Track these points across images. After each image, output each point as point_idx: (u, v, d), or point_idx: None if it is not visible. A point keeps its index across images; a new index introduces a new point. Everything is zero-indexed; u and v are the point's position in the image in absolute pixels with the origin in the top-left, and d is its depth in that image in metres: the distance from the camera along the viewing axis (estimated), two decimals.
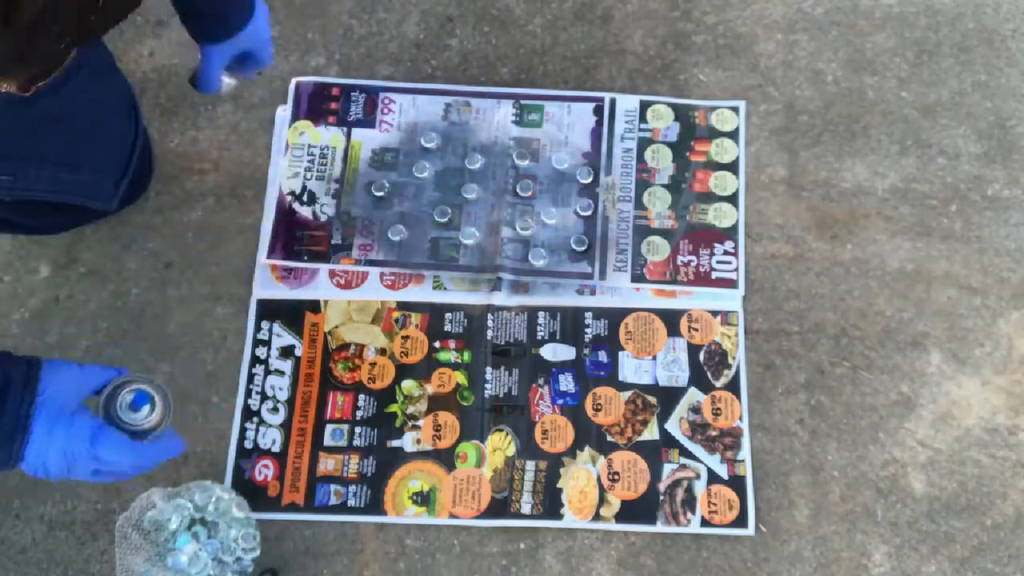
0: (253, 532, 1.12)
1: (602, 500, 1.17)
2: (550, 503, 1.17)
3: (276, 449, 1.21)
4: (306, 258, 1.29)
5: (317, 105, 1.37)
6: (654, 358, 1.24)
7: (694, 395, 1.22)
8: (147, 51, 1.41)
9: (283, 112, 1.37)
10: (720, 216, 1.30)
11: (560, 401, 1.22)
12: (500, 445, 1.20)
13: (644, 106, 1.36)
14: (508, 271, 1.28)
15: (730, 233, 1.29)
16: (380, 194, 1.32)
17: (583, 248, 1.28)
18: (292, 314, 1.27)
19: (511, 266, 1.28)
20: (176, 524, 1.09)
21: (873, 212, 1.30)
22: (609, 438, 1.20)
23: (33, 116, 1.03)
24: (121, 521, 1.10)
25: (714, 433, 1.20)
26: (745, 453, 1.19)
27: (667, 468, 1.18)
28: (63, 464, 0.87)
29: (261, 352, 1.25)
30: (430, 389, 1.23)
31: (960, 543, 1.15)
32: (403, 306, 1.27)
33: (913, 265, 1.27)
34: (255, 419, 1.22)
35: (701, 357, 1.23)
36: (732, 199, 1.31)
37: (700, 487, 1.17)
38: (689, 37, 1.41)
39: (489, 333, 1.25)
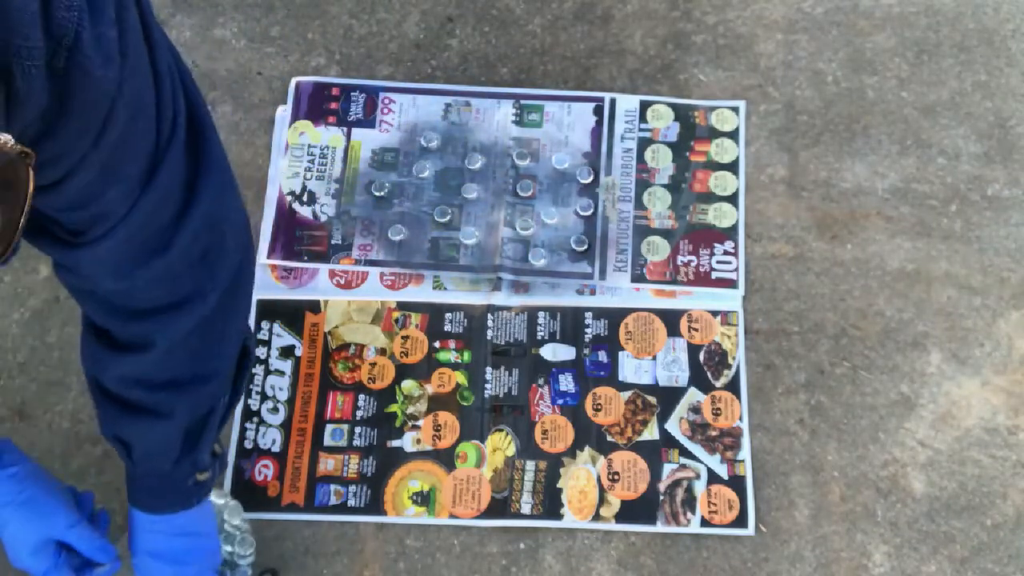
0: (250, 539, 1.10)
1: (602, 500, 1.17)
2: (550, 503, 1.17)
3: (276, 449, 1.21)
4: (306, 258, 1.29)
5: (317, 105, 1.37)
6: (654, 358, 1.24)
7: (694, 395, 1.22)
8: None
9: (283, 112, 1.37)
10: (720, 216, 1.30)
11: (560, 401, 1.22)
12: (500, 445, 1.20)
13: (644, 106, 1.36)
14: (508, 271, 1.28)
15: (730, 233, 1.29)
16: (380, 194, 1.32)
17: (583, 248, 1.28)
18: (292, 314, 1.27)
19: (511, 266, 1.28)
20: None
21: (873, 212, 1.30)
22: (609, 438, 1.20)
23: None
24: None
25: (714, 433, 1.20)
26: (745, 453, 1.19)
27: (667, 468, 1.18)
28: (18, 564, 0.94)
29: (261, 352, 1.25)
30: (430, 389, 1.23)
31: (960, 543, 1.14)
32: (403, 306, 1.27)
33: (913, 265, 1.27)
34: (255, 419, 1.22)
35: (701, 357, 1.23)
36: (732, 199, 1.31)
37: (700, 487, 1.17)
38: (689, 37, 1.41)
39: (489, 333, 1.25)
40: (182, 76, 0.74)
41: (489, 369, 1.24)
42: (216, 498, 1.11)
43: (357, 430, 1.21)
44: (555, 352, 1.25)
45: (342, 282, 1.28)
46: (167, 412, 0.88)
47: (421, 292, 1.28)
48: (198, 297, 0.82)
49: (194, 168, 0.76)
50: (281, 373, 1.24)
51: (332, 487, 1.19)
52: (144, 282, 0.79)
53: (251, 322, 1.26)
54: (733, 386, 1.22)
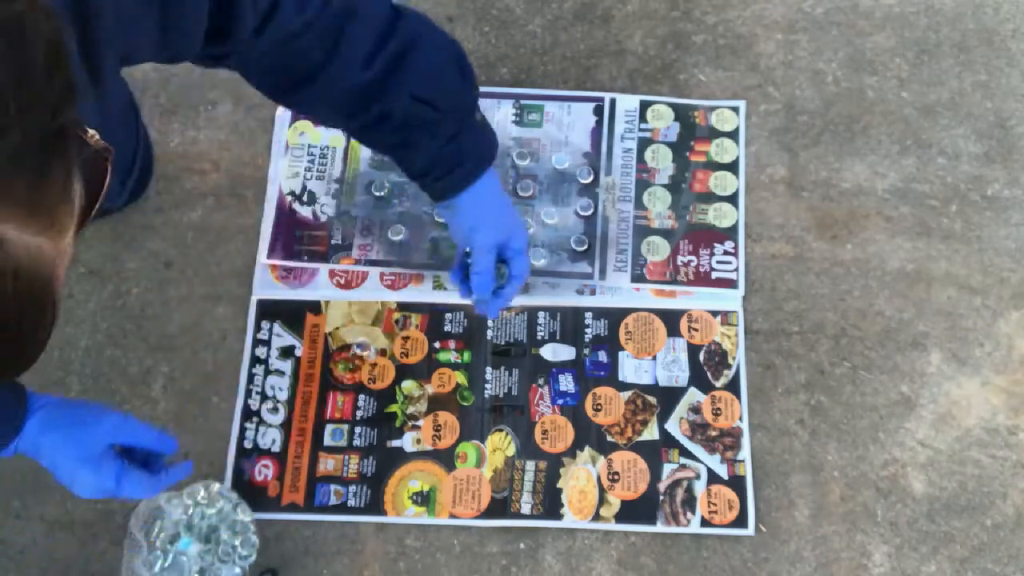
0: (253, 539, 1.11)
1: (602, 500, 1.17)
2: (550, 503, 1.17)
3: (276, 449, 1.21)
4: (306, 258, 1.29)
5: None
6: (654, 358, 1.24)
7: (694, 395, 1.22)
8: None
9: (283, 112, 1.37)
10: (720, 216, 1.30)
11: (560, 401, 1.22)
12: (500, 445, 1.20)
13: (644, 106, 1.36)
14: None
15: (730, 233, 1.29)
16: (380, 194, 1.32)
17: (583, 248, 1.28)
18: (292, 314, 1.27)
19: None
20: (174, 527, 1.09)
21: (873, 212, 1.30)
22: (609, 438, 1.20)
23: None
24: (132, 520, 1.10)
25: (714, 433, 1.20)
26: (745, 453, 1.19)
27: (667, 468, 1.18)
28: (89, 491, 0.96)
29: (261, 352, 1.25)
30: (430, 389, 1.23)
31: (960, 543, 1.14)
32: (403, 306, 1.27)
33: (913, 265, 1.27)
34: (255, 419, 1.22)
35: (701, 357, 1.23)
36: (732, 199, 1.31)
37: (700, 487, 1.17)
38: (689, 37, 1.41)
39: (489, 333, 1.25)
40: None
41: (489, 369, 1.24)
42: (225, 494, 1.12)
43: (357, 430, 1.21)
44: (555, 352, 1.25)
45: (342, 282, 1.28)
46: (417, 35, 0.99)
47: (421, 292, 1.28)
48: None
49: None
50: (281, 373, 1.24)
51: (332, 487, 1.19)
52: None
53: (251, 322, 1.26)
54: (733, 386, 1.22)
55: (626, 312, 1.26)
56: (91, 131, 0.55)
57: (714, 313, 1.25)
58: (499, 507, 1.17)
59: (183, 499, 1.11)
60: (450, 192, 1.08)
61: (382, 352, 1.25)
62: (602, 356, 1.24)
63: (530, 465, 1.19)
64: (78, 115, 0.52)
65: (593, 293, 1.27)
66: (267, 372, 1.24)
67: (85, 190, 0.53)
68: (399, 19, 0.99)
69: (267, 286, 1.28)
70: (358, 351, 1.25)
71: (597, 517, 1.16)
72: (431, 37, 1.02)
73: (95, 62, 0.76)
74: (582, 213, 1.30)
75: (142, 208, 1.32)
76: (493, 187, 1.10)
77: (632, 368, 1.23)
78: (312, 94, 1.00)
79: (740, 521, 1.16)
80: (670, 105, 1.36)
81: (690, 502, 1.17)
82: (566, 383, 1.23)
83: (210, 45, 0.89)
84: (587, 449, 1.20)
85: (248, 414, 1.22)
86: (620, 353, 1.24)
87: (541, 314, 1.26)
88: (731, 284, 1.26)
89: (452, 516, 1.17)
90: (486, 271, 1.10)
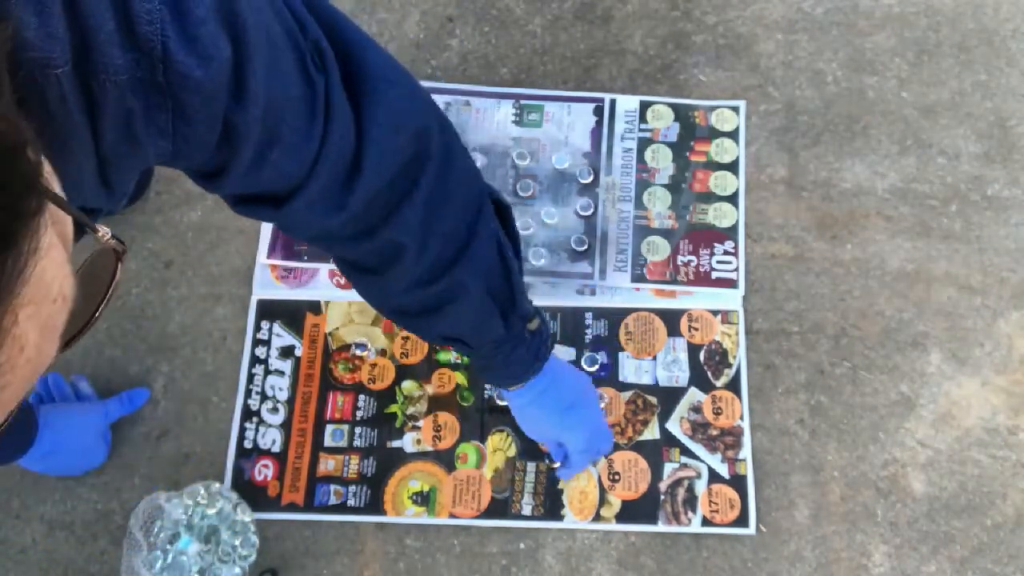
0: (253, 539, 1.12)
1: (603, 500, 1.17)
2: (551, 504, 1.17)
3: (276, 449, 1.20)
4: (306, 258, 1.29)
5: None
6: (654, 358, 1.24)
7: (694, 395, 1.21)
8: None
9: None
10: (720, 216, 1.30)
11: None
12: (500, 446, 1.20)
13: (644, 106, 1.36)
14: None
15: (730, 233, 1.29)
16: None
17: (583, 248, 1.28)
18: (292, 314, 1.27)
19: None
20: (174, 527, 1.09)
21: (873, 212, 1.30)
22: None
23: None
24: (131, 520, 1.10)
25: (715, 432, 1.20)
26: (746, 452, 1.19)
27: (668, 468, 1.18)
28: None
29: (261, 352, 1.25)
30: (430, 390, 1.23)
31: (960, 543, 1.15)
32: None
33: (913, 265, 1.27)
34: (255, 419, 1.22)
35: (701, 357, 1.23)
36: (732, 199, 1.31)
37: (701, 486, 1.17)
38: (689, 37, 1.41)
39: None
40: (318, 13, 0.73)
41: None
42: (226, 494, 1.12)
43: (357, 430, 1.21)
44: (555, 353, 1.24)
45: (342, 282, 1.28)
46: (460, 288, 0.90)
47: None
48: (413, 188, 0.82)
49: (356, 102, 0.75)
50: (281, 373, 1.24)
51: (332, 487, 1.19)
52: (357, 208, 0.79)
53: (251, 321, 1.26)
54: (734, 385, 1.22)
55: (626, 312, 1.26)
56: (102, 229, 0.49)
57: (714, 312, 1.25)
58: (499, 507, 1.17)
59: (183, 499, 1.11)
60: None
61: (382, 352, 1.25)
62: (602, 356, 1.24)
63: (531, 466, 1.19)
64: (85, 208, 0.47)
65: (593, 293, 1.27)
66: (267, 372, 1.24)
67: (86, 291, 0.48)
68: (453, 266, 0.89)
69: (267, 286, 1.28)
70: (358, 351, 1.25)
71: (598, 517, 1.16)
72: (476, 288, 0.92)
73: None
74: (582, 213, 1.30)
75: (142, 208, 1.32)
76: (533, 398, 1.06)
77: (632, 368, 1.23)
78: (362, 282, 0.95)
79: (741, 520, 1.16)
80: (670, 105, 1.36)
81: (691, 501, 1.17)
82: None
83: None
84: None
85: (248, 414, 1.22)
86: (620, 354, 1.24)
87: None
88: (731, 284, 1.26)
89: (452, 516, 1.17)
90: (552, 453, 1.18)
